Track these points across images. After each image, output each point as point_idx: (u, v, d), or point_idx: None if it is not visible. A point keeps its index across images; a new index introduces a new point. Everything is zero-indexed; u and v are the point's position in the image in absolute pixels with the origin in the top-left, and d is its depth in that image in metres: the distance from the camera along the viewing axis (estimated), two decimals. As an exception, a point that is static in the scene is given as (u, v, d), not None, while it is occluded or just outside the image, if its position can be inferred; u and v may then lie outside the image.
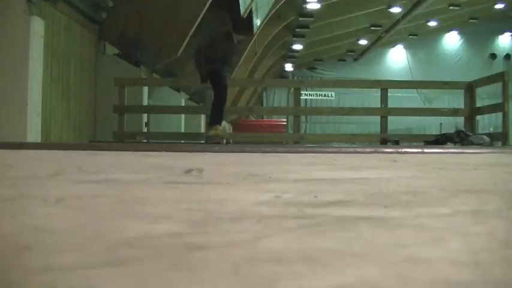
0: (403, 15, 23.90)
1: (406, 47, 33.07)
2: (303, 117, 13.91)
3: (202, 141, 10.18)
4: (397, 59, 33.64)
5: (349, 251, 0.71)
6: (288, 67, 32.43)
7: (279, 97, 33.64)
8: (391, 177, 1.91)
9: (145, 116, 11.40)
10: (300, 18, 22.39)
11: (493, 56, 32.46)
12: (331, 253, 0.70)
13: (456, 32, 32.18)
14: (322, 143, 11.33)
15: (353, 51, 31.87)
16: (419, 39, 31.42)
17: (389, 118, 10.54)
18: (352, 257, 0.68)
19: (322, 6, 21.06)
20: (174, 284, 0.56)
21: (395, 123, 14.18)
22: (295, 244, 0.76)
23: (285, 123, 23.16)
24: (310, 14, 22.00)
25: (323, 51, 30.59)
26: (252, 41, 17.90)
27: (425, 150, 3.56)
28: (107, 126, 10.17)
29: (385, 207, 1.10)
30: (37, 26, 7.60)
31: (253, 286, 0.56)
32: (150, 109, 11.56)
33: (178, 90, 14.93)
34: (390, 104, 10.60)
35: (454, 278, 0.59)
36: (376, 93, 12.42)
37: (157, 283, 0.56)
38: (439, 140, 10.24)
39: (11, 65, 7.35)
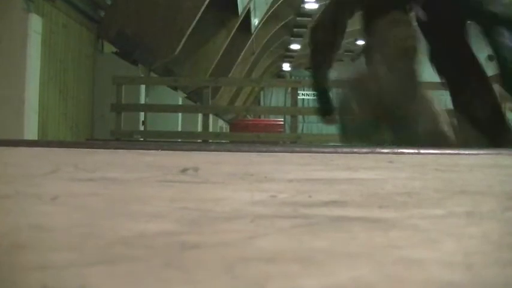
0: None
1: (404, 48, 33.08)
2: (300, 117, 13.89)
3: (198, 140, 10.18)
4: (394, 59, 33.64)
5: (343, 251, 0.72)
6: (286, 67, 32.45)
7: (276, 97, 33.64)
8: (387, 178, 1.91)
9: (142, 114, 11.39)
10: (298, 18, 22.40)
11: (491, 57, 32.48)
12: (325, 253, 0.70)
13: (454, 33, 32.20)
14: (319, 142, 11.32)
15: (351, 52, 31.89)
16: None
17: (387, 119, 10.53)
18: (346, 258, 0.68)
19: (320, 6, 21.08)
20: (168, 283, 0.56)
21: (393, 124, 14.13)
22: (289, 244, 0.76)
23: (282, 123, 23.16)
24: (308, 13, 22.02)
25: (321, 51, 30.55)
26: (250, 40, 17.90)
27: (422, 151, 3.56)
28: (104, 125, 10.16)
29: (380, 208, 1.10)
30: (35, 24, 7.58)
31: (247, 286, 0.56)
32: (147, 108, 11.54)
33: (175, 88, 14.92)
34: (387, 105, 10.60)
35: (447, 279, 0.59)
36: (373, 93, 12.41)
37: (151, 282, 0.56)
38: (435, 141, 10.24)
39: (8, 63, 7.33)
